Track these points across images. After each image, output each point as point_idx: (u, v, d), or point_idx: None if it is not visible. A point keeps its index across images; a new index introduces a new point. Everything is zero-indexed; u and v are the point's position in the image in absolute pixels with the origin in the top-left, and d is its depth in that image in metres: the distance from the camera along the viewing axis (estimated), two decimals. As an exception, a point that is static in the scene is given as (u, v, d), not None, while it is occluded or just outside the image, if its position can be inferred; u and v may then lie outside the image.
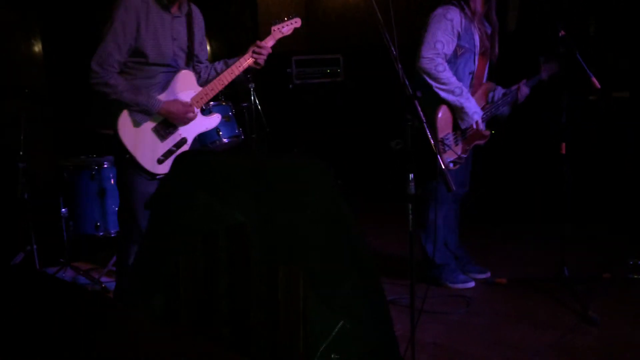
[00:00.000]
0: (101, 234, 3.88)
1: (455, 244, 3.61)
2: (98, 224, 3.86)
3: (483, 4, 3.27)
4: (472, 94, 3.32)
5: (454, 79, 3.19)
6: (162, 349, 1.05)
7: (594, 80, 2.95)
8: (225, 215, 1.27)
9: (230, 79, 2.94)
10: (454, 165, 3.33)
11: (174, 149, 2.86)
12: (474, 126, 3.29)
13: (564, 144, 3.11)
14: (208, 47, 6.20)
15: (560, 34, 3.00)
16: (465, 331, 2.91)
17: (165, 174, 2.73)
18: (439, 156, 2.01)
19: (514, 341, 2.76)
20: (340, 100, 6.13)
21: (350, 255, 1.15)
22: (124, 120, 2.73)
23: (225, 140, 4.25)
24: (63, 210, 3.87)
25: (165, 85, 2.83)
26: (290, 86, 5.93)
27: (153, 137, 2.80)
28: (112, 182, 3.87)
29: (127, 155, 2.72)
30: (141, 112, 2.75)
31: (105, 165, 3.88)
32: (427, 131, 2.02)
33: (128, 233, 2.82)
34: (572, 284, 3.17)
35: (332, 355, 1.07)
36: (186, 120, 2.85)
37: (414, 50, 3.28)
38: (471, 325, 2.97)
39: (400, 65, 2.01)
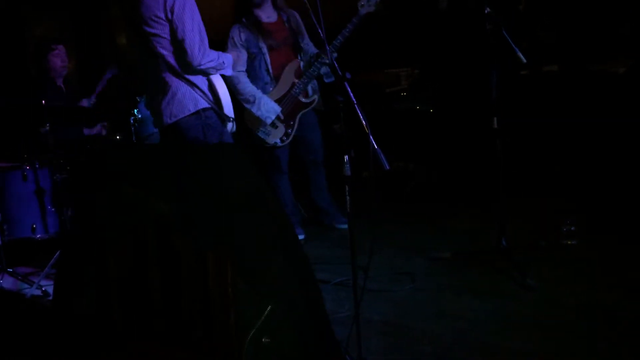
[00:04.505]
0: (39, 236, 3.74)
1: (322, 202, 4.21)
2: (34, 225, 3.72)
3: (259, 8, 3.79)
4: (276, 83, 3.86)
5: (248, 89, 3.76)
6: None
7: (520, 55, 3.05)
8: (151, 206, 1.25)
9: None
10: (282, 142, 3.87)
11: None
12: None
13: (495, 119, 3.20)
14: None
15: (486, 11, 3.08)
16: (412, 306, 2.98)
17: None
18: (371, 137, 2.03)
19: (458, 312, 2.84)
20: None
21: (275, 239, 1.15)
22: None
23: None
24: (-6, 214, 3.70)
25: None
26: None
27: None
28: (49, 181, 3.73)
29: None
30: None
31: (38, 165, 3.73)
32: (359, 111, 2.04)
33: None
34: (510, 253, 3.28)
35: (263, 339, 1.08)
36: None
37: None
38: (417, 300, 3.04)
39: (329, 47, 2.02)
